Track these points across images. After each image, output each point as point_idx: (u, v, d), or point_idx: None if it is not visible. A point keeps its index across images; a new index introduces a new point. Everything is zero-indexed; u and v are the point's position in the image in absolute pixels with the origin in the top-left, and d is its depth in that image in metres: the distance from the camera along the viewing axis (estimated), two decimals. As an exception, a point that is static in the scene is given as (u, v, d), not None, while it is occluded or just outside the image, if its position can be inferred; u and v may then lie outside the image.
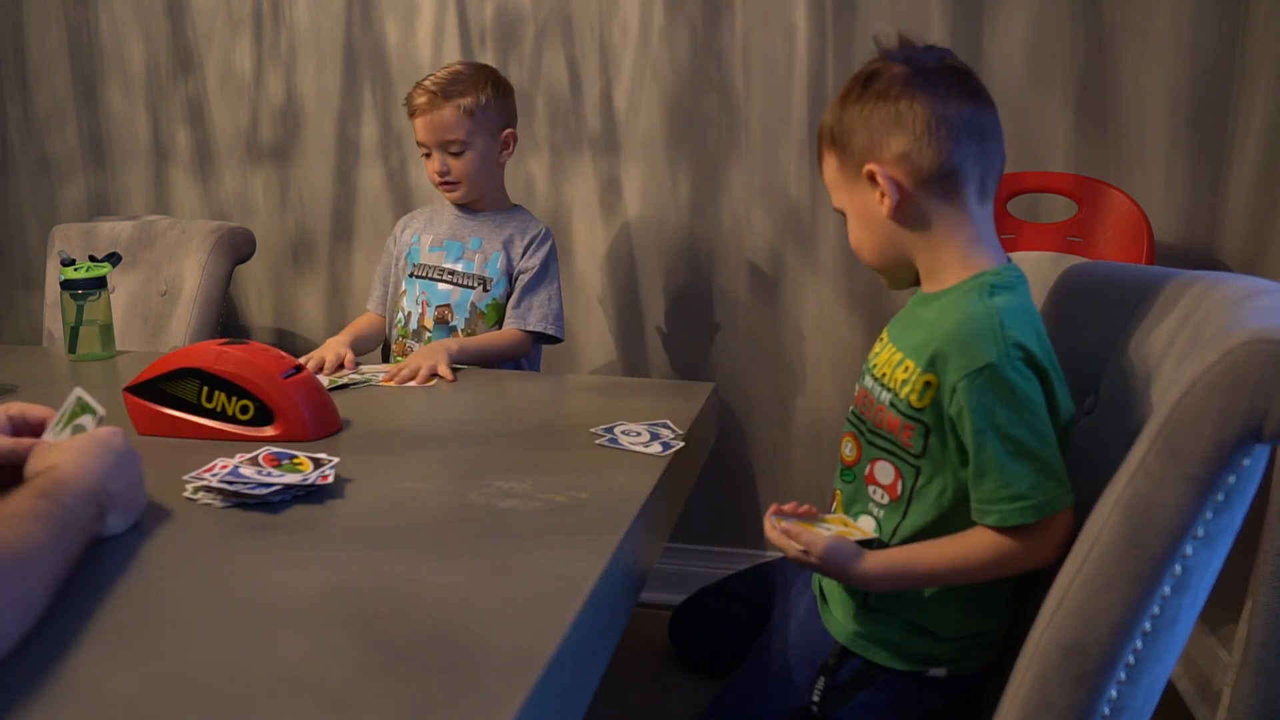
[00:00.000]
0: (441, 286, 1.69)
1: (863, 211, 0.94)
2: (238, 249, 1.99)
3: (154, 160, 2.33)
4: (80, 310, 1.56)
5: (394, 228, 1.81)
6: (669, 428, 1.12)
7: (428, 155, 1.67)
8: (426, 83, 1.64)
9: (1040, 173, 1.75)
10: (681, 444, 1.06)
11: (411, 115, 1.66)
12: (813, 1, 1.88)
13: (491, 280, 1.68)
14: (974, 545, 0.85)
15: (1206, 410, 0.64)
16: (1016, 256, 1.67)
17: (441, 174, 1.66)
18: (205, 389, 1.07)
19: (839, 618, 0.95)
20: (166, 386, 1.09)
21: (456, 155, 1.64)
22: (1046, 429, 0.83)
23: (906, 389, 0.89)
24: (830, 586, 0.98)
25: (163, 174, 2.33)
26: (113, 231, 2.08)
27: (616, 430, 1.10)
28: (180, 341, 1.89)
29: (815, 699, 0.92)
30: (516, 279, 1.69)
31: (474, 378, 1.53)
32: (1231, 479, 0.66)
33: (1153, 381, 0.80)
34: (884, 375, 0.93)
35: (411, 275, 1.72)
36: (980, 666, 0.92)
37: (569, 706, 0.63)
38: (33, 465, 0.75)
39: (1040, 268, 1.64)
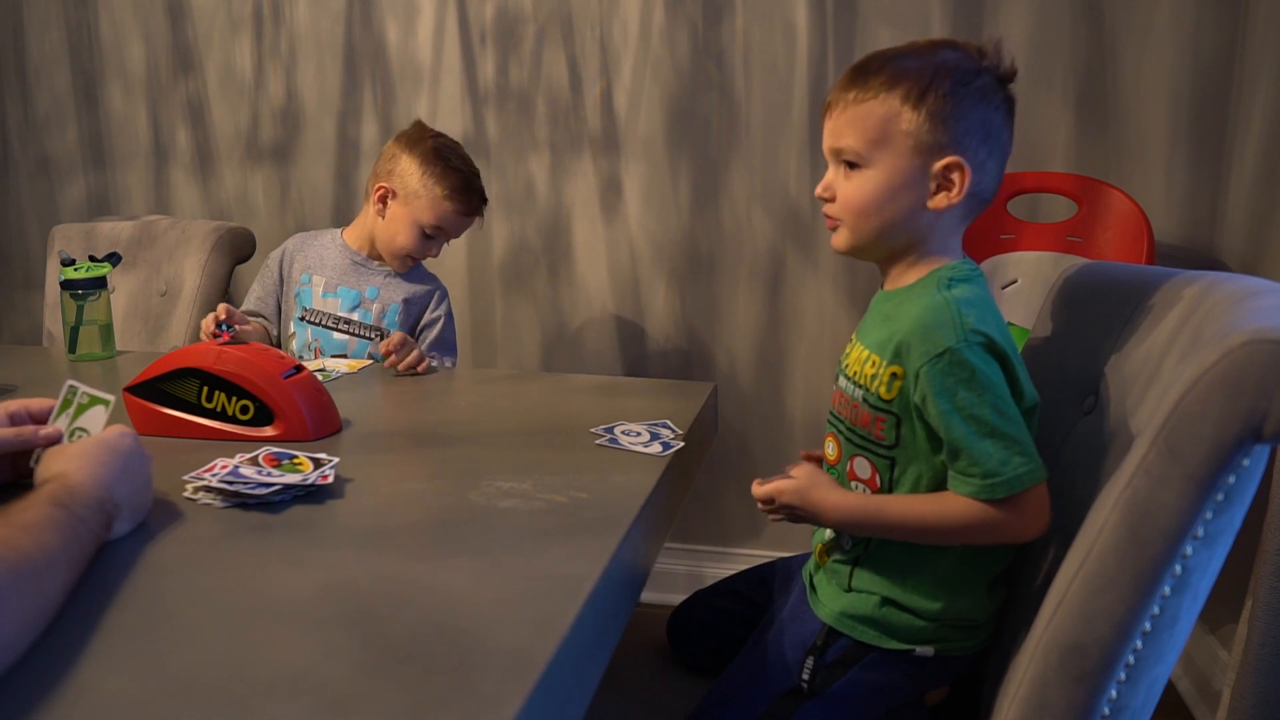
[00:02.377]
0: (337, 335, 1.67)
1: (902, 185, 0.90)
2: (238, 249, 1.98)
3: (154, 160, 2.33)
4: (80, 310, 1.56)
5: (278, 251, 1.75)
6: (669, 428, 1.12)
7: (429, 237, 1.64)
8: (471, 185, 1.64)
9: (1040, 173, 1.74)
10: (681, 444, 1.06)
11: (452, 211, 1.62)
12: (813, 1, 1.88)
13: (389, 333, 1.67)
14: (948, 506, 0.86)
15: (1206, 410, 0.64)
16: (1016, 257, 1.67)
17: (425, 256, 1.67)
18: (205, 389, 1.07)
19: (825, 601, 0.96)
20: (166, 386, 1.09)
21: (444, 243, 1.70)
22: (1010, 408, 0.84)
23: (875, 383, 0.91)
24: (818, 575, 0.99)
25: (163, 174, 2.33)
26: (113, 231, 2.08)
27: (617, 430, 1.10)
28: (180, 342, 1.89)
29: (805, 678, 0.93)
30: (421, 333, 1.72)
31: (473, 378, 1.53)
32: (1231, 479, 0.66)
33: (1153, 381, 0.80)
34: (855, 374, 0.94)
35: (302, 319, 1.69)
36: (971, 649, 0.93)
37: (569, 706, 0.63)
38: (43, 471, 0.76)
39: (1040, 268, 1.64)
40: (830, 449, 0.99)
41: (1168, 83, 1.74)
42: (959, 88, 0.88)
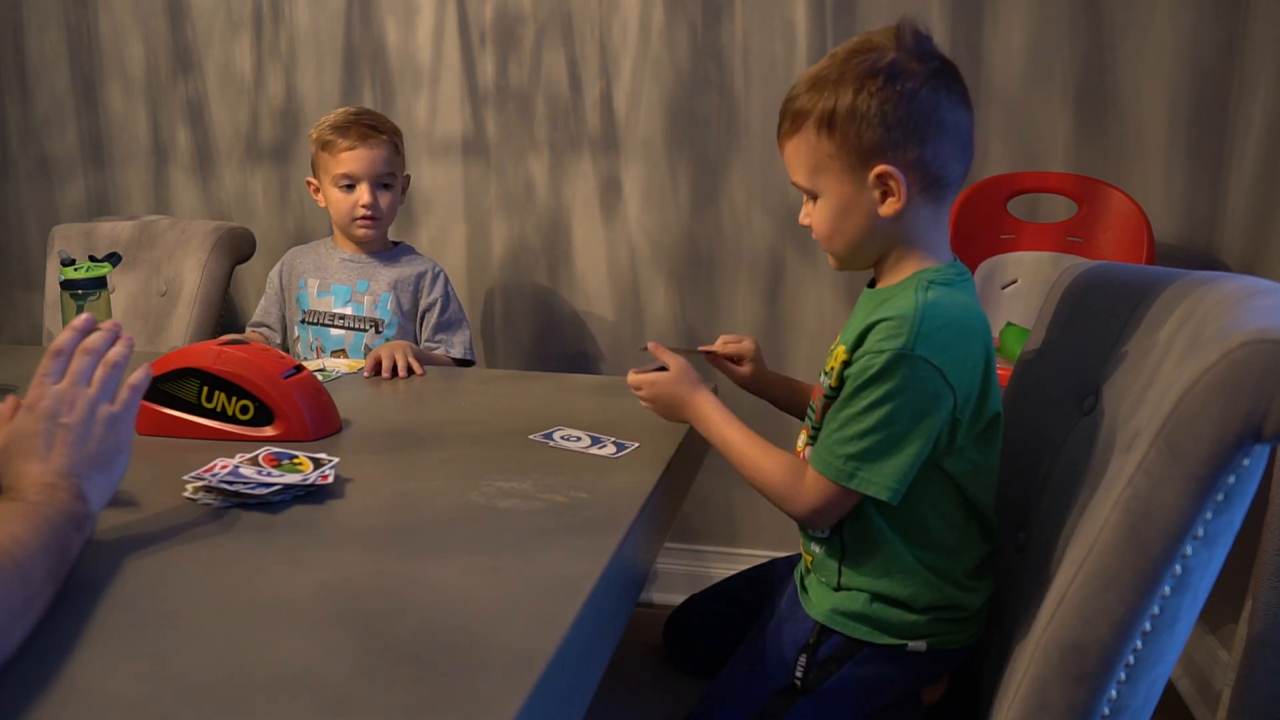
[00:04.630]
0: (334, 332, 1.72)
1: (849, 203, 0.91)
2: (238, 249, 1.99)
3: (154, 160, 2.33)
4: (80, 310, 1.55)
5: (277, 265, 1.82)
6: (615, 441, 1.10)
7: (349, 188, 1.67)
8: (351, 118, 1.67)
9: (1040, 173, 1.74)
10: (636, 444, 1.07)
11: (344, 149, 1.66)
12: (813, 1, 1.88)
13: (384, 322, 1.71)
14: (771, 459, 0.94)
15: (1206, 410, 0.64)
16: (1016, 257, 1.67)
17: (367, 207, 1.67)
18: (205, 389, 1.07)
19: (815, 600, 0.96)
20: (166, 386, 1.09)
21: (385, 189, 1.69)
22: (902, 428, 0.85)
23: (833, 375, 0.92)
24: (809, 577, 0.99)
25: (163, 174, 2.33)
26: (113, 231, 2.08)
27: (556, 435, 1.10)
28: (180, 341, 1.89)
29: (798, 675, 0.94)
30: (423, 317, 1.74)
31: (473, 378, 1.53)
32: (1231, 479, 0.66)
33: (1153, 381, 0.80)
34: (831, 370, 0.94)
35: (303, 321, 1.74)
36: (964, 642, 0.93)
37: (569, 706, 0.63)
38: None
39: (1040, 268, 1.64)
40: (801, 440, 1.02)
41: (1167, 83, 1.74)
42: (861, 96, 0.87)
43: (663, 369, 1.05)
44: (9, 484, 0.72)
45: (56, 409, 0.75)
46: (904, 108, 0.87)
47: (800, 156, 0.93)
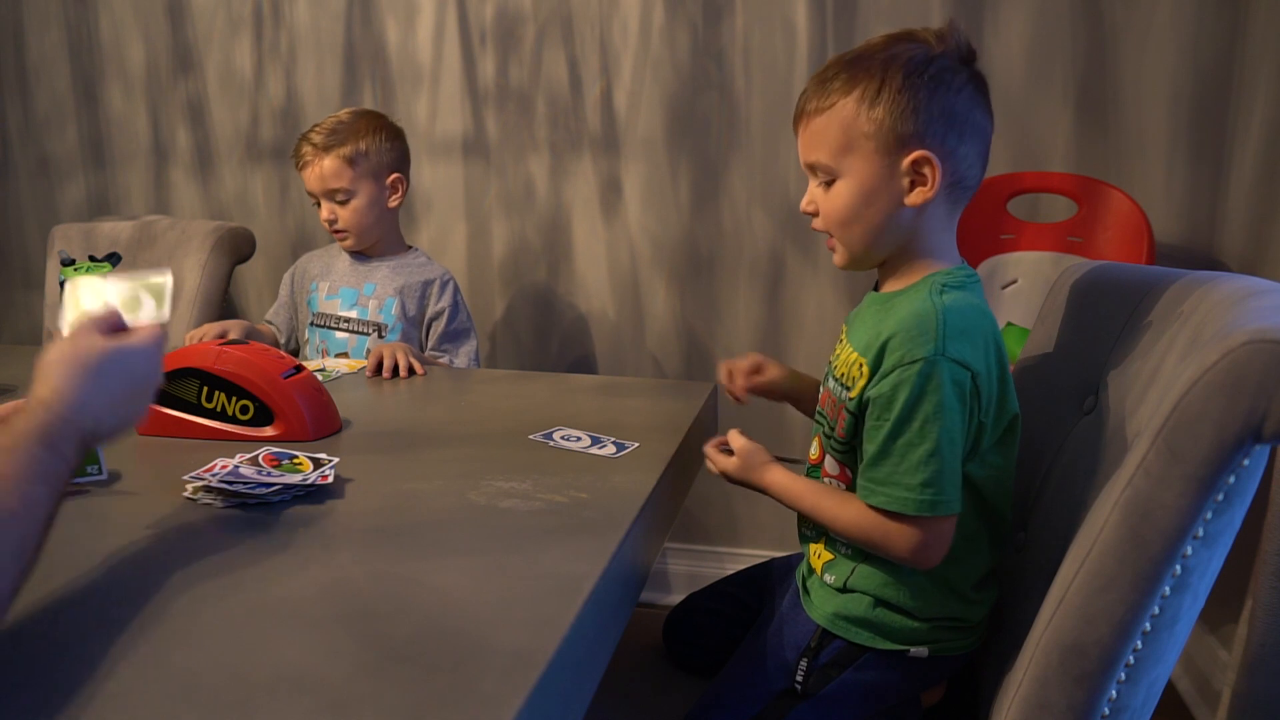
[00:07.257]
0: (339, 335, 1.73)
1: (875, 188, 0.89)
2: (238, 249, 1.99)
3: (154, 160, 2.33)
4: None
5: (289, 270, 1.85)
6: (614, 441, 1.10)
7: (318, 204, 1.71)
8: (311, 134, 1.69)
9: (1040, 173, 1.74)
10: (636, 444, 1.06)
11: (300, 167, 1.71)
12: (813, 1, 1.88)
13: (386, 326, 1.71)
14: (849, 511, 0.90)
15: (1206, 410, 0.65)
16: (1016, 257, 1.67)
17: (330, 222, 1.70)
18: (205, 389, 1.07)
19: (818, 603, 0.96)
20: (166, 386, 1.09)
21: (342, 204, 1.69)
22: (956, 437, 0.84)
23: (853, 384, 0.91)
24: (811, 578, 0.99)
25: (163, 174, 2.33)
26: (113, 231, 2.08)
27: (556, 435, 1.10)
28: (180, 342, 1.89)
29: (799, 679, 0.93)
30: (430, 325, 1.74)
31: (473, 378, 1.53)
32: (1231, 479, 0.66)
33: (1153, 381, 0.80)
34: (843, 375, 0.94)
35: (312, 324, 1.76)
36: (965, 649, 0.93)
37: (569, 706, 0.63)
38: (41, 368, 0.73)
39: (1040, 268, 1.64)
40: (814, 449, 1.01)
41: (1168, 83, 1.74)
42: (911, 79, 0.86)
43: (728, 448, 1.03)
44: (49, 391, 0.71)
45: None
46: (949, 101, 0.87)
47: (828, 134, 0.90)
